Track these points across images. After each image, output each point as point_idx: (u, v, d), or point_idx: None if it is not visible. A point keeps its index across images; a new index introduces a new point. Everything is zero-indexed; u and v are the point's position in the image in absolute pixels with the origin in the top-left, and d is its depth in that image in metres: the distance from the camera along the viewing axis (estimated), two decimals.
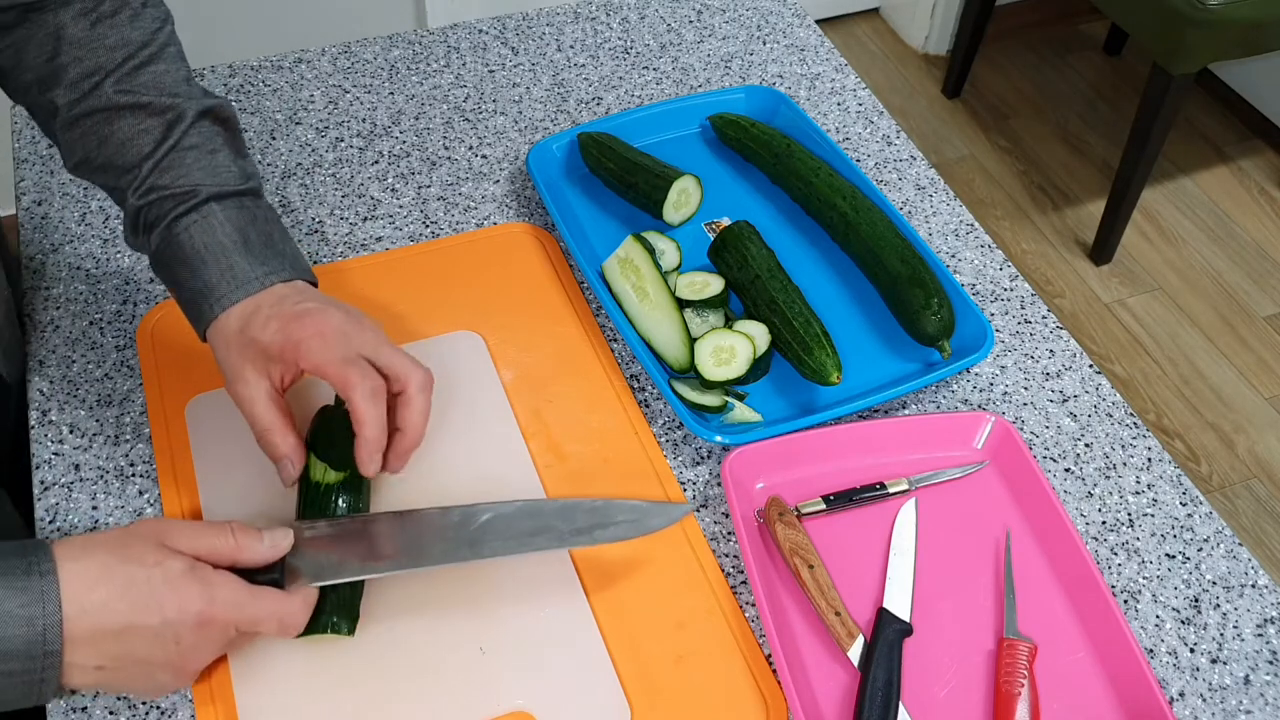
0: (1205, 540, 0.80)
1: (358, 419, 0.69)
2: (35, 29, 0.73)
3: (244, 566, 0.65)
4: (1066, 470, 0.83)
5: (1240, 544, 0.79)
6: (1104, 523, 0.80)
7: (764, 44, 1.18)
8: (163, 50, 0.75)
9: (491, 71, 1.13)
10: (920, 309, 0.85)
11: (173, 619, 0.60)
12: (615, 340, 0.89)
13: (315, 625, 0.68)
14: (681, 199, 0.95)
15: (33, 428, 0.81)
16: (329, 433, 0.74)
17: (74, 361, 0.86)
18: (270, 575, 0.66)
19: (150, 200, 0.72)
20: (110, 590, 0.59)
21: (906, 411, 0.86)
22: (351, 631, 0.69)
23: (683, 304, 0.87)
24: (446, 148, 1.05)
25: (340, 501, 0.72)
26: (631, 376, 0.87)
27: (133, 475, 0.79)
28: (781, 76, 1.14)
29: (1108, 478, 0.83)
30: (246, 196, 0.75)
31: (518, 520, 0.71)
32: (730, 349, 0.83)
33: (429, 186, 1.01)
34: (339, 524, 0.70)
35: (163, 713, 0.68)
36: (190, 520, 0.65)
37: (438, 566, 0.69)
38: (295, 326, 0.69)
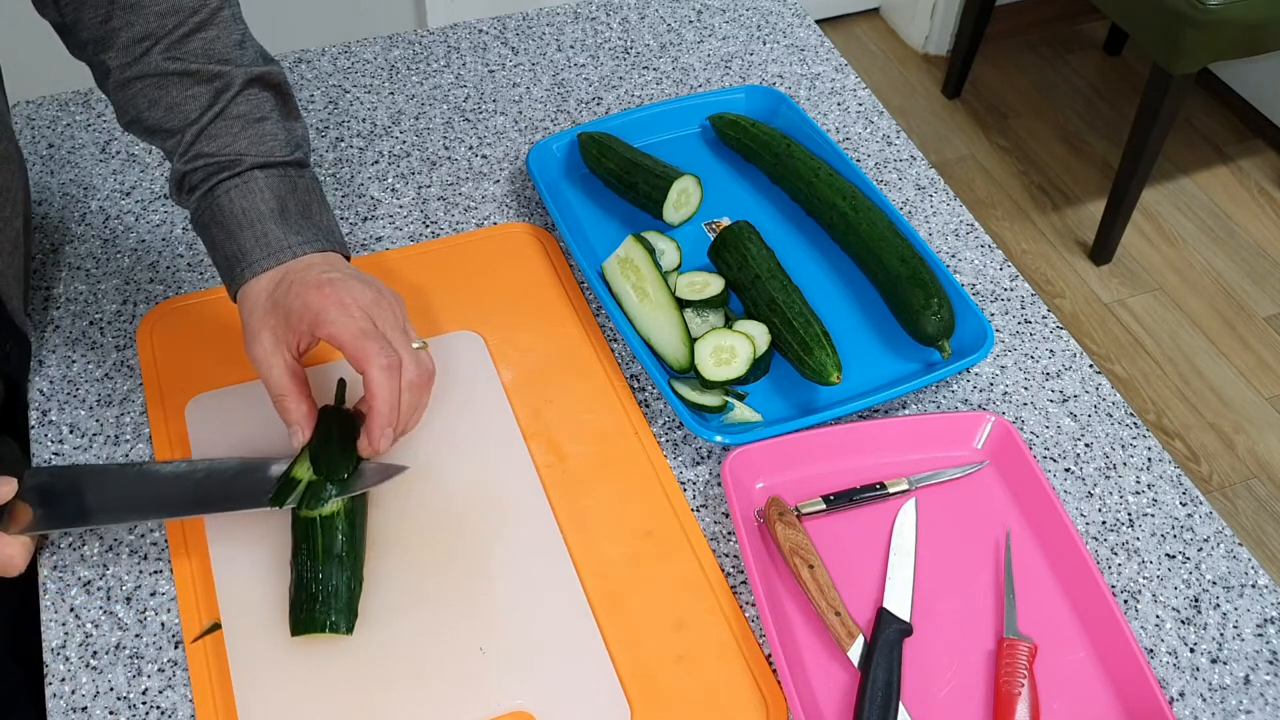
0: (1205, 540, 0.79)
1: (371, 392, 0.69)
2: None
3: None
4: (1066, 470, 0.83)
5: (1240, 544, 0.79)
6: (1104, 523, 0.80)
7: (764, 44, 1.18)
8: (215, 15, 0.75)
9: (491, 71, 1.13)
10: (920, 309, 0.85)
11: None
12: (615, 340, 0.89)
13: (314, 624, 0.68)
14: (681, 199, 0.95)
15: (33, 428, 0.81)
16: (322, 433, 0.73)
17: (74, 361, 0.86)
18: None
19: (196, 166, 0.74)
20: None
21: (906, 411, 0.86)
22: (350, 630, 0.69)
23: (683, 304, 0.87)
24: (446, 148, 1.05)
25: (314, 501, 0.71)
26: (631, 376, 0.87)
27: None
28: (781, 76, 1.14)
29: (1108, 478, 0.83)
30: (291, 166, 0.76)
31: (238, 478, 0.73)
32: (730, 349, 0.83)
33: (429, 186, 1.01)
34: (67, 476, 0.73)
35: (163, 713, 0.68)
36: None
37: (159, 519, 0.72)
38: (316, 294, 0.69)
